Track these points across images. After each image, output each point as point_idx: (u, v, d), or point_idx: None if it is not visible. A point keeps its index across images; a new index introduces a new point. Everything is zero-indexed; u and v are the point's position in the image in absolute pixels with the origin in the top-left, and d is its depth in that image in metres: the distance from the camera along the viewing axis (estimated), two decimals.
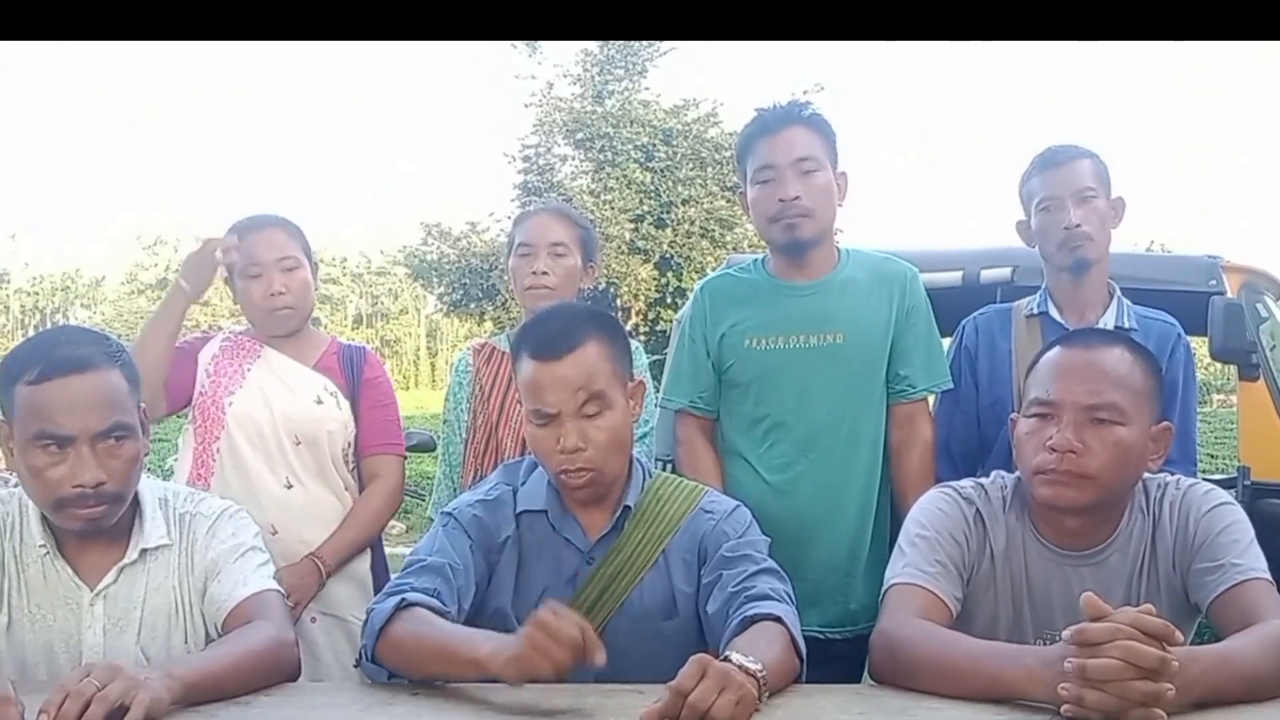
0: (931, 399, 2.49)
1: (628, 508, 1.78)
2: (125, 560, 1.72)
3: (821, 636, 2.26)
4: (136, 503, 1.74)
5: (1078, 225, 2.35)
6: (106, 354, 1.66)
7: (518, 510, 1.80)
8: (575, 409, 1.70)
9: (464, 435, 2.65)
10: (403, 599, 1.60)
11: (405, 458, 2.64)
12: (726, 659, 1.39)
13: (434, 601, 1.61)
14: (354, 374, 2.54)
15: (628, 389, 1.78)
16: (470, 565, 1.73)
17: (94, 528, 1.67)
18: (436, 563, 1.69)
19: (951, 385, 2.44)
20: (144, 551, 1.73)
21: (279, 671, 1.61)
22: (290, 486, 2.43)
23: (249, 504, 2.38)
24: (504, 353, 2.65)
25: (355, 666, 2.44)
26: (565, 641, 1.37)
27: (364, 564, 2.52)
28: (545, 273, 2.53)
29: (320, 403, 2.48)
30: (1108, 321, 2.40)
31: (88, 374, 1.61)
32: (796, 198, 2.29)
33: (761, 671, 1.40)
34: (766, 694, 1.41)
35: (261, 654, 1.58)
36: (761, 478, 2.36)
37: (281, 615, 1.70)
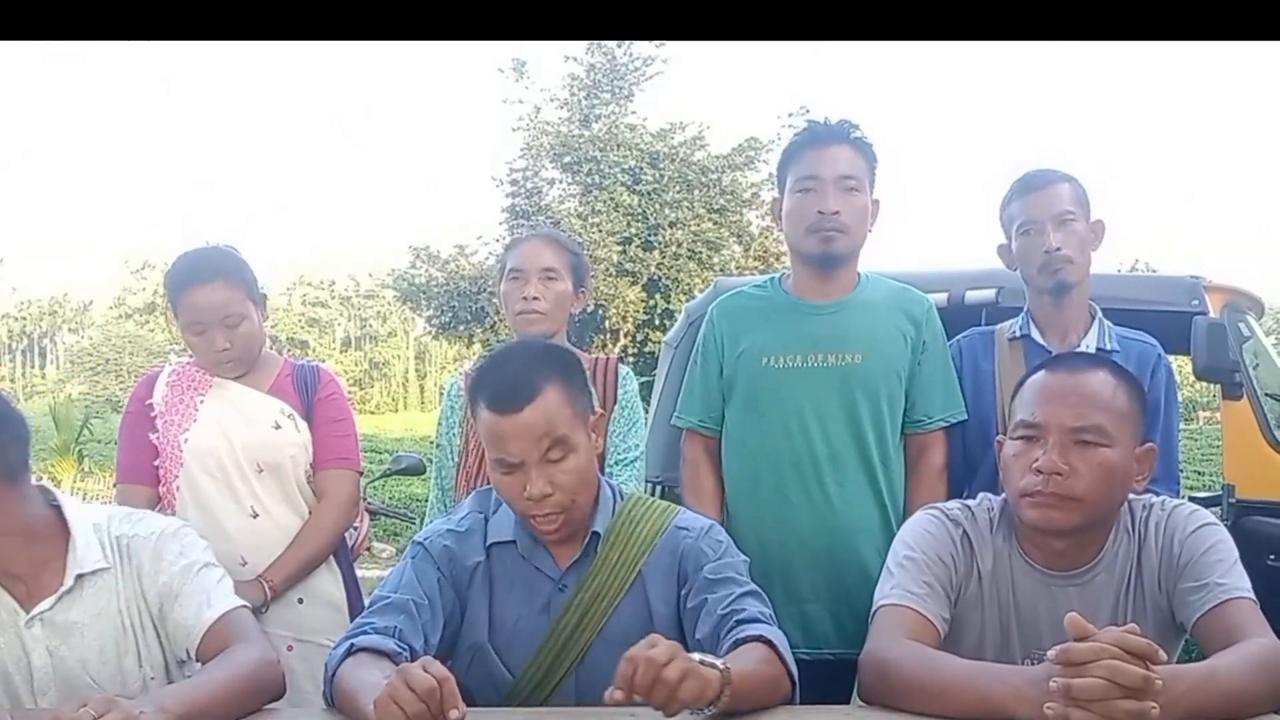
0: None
1: (596, 534, 1.77)
2: (63, 588, 1.72)
3: (833, 659, 2.29)
4: (67, 530, 1.74)
5: (1058, 249, 2.37)
6: None
7: (488, 542, 1.79)
8: (539, 457, 1.69)
9: (456, 459, 2.65)
10: (351, 645, 1.60)
11: (361, 472, 2.60)
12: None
13: (388, 643, 1.61)
14: (309, 393, 2.51)
15: (589, 424, 1.77)
16: (438, 599, 1.73)
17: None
18: (400, 600, 1.69)
19: (966, 417, 2.45)
20: (79, 577, 1.72)
21: (267, 693, 1.62)
22: (256, 516, 2.40)
23: (215, 538, 2.35)
24: None
25: None
26: (420, 689, 1.34)
27: (338, 588, 2.50)
28: (536, 298, 2.54)
29: (279, 428, 2.44)
30: (1089, 343, 2.42)
31: None
32: (836, 212, 2.32)
33: (724, 666, 1.43)
34: (728, 692, 1.43)
35: (249, 679, 1.59)
36: (783, 497, 2.37)
37: (259, 634, 1.70)
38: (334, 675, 1.58)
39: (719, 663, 1.42)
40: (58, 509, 1.76)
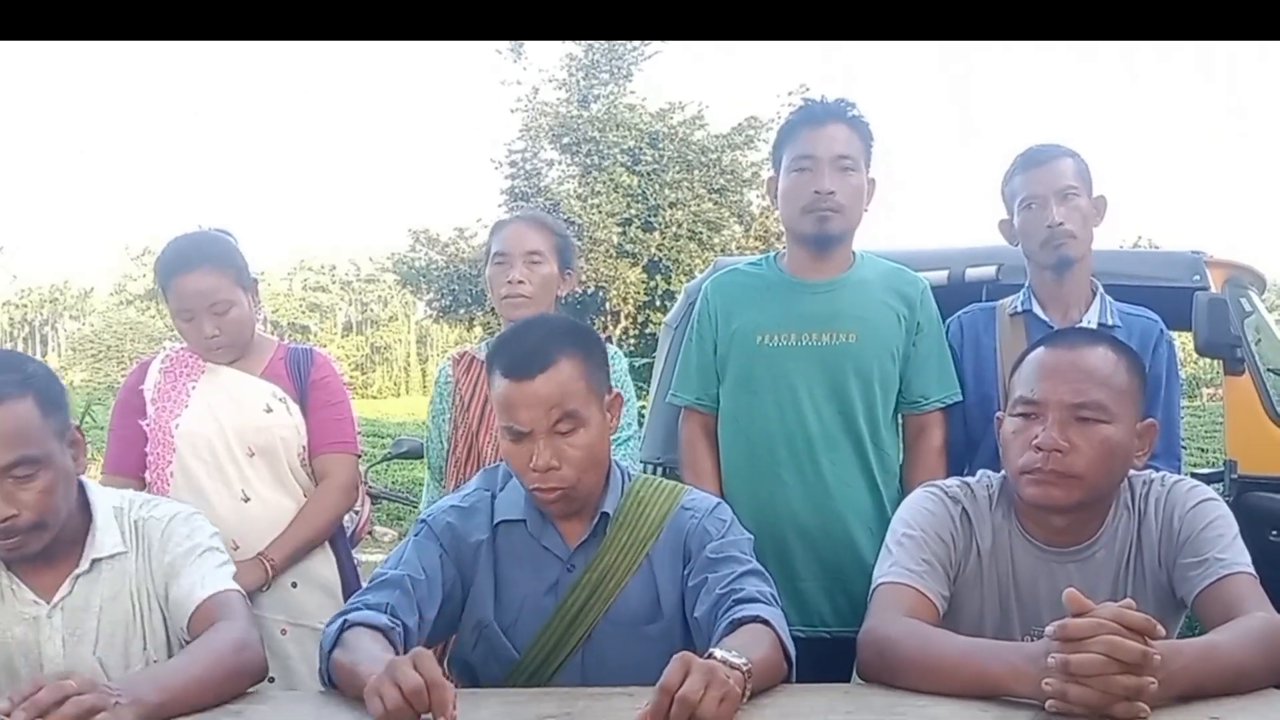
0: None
1: (606, 514, 1.77)
2: (78, 570, 1.72)
3: (829, 636, 2.31)
4: (90, 513, 1.74)
5: (1060, 224, 2.37)
6: (16, 382, 1.62)
7: (495, 520, 1.79)
8: (548, 427, 1.68)
9: (446, 446, 2.65)
10: (345, 620, 1.60)
11: (359, 455, 2.60)
12: (711, 655, 1.39)
13: (381, 618, 1.60)
14: (301, 376, 2.50)
15: (604, 403, 1.77)
16: (438, 575, 1.72)
17: (17, 557, 1.68)
18: (396, 576, 1.69)
19: (962, 398, 2.46)
20: (95, 561, 1.73)
21: (245, 676, 1.60)
22: (248, 500, 2.39)
23: None
24: (483, 362, 2.65)
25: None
26: (406, 688, 1.32)
27: (332, 571, 2.50)
28: (522, 281, 2.54)
29: (270, 411, 2.44)
30: (1091, 319, 2.42)
31: None
32: (832, 192, 2.32)
33: (747, 666, 1.40)
34: (750, 689, 1.41)
35: (225, 663, 1.57)
36: (776, 475, 2.38)
37: (244, 616, 1.69)
38: (330, 652, 1.57)
39: (741, 664, 1.40)
40: (82, 489, 1.77)
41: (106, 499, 1.79)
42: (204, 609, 1.68)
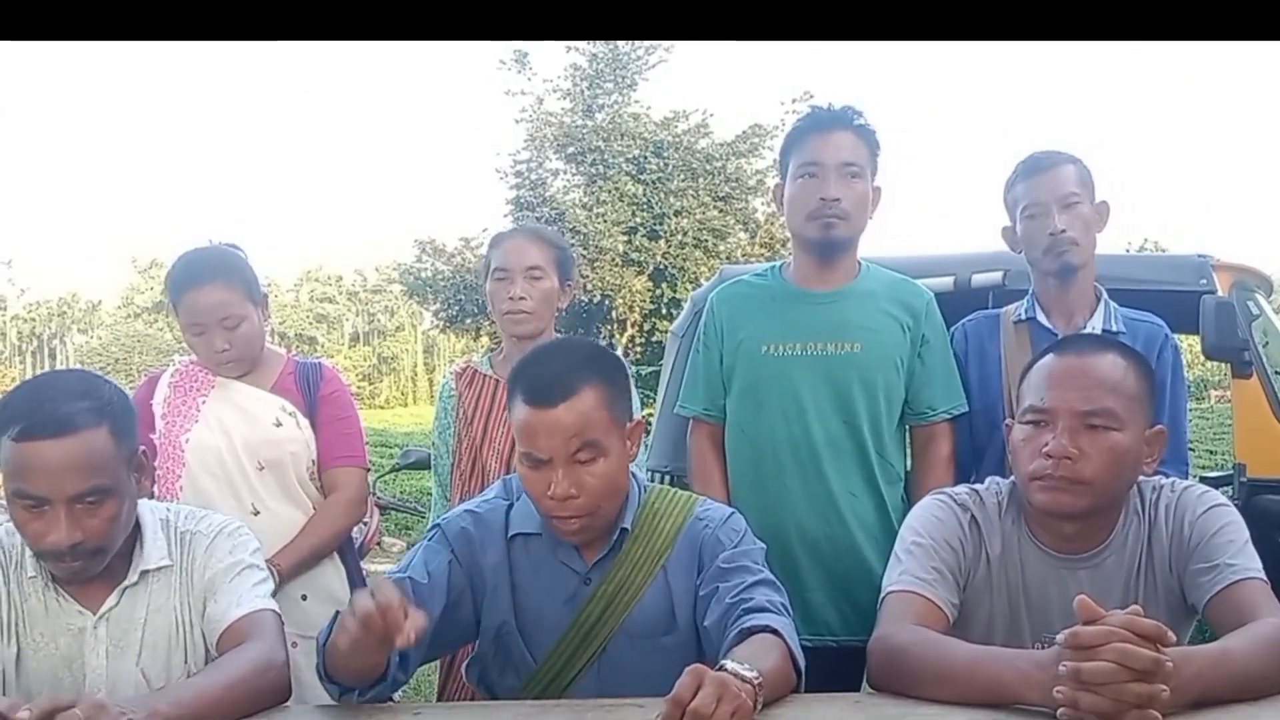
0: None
1: (625, 530, 1.77)
2: (127, 582, 1.73)
3: (836, 646, 2.31)
4: (137, 525, 1.75)
5: (1063, 231, 2.36)
6: (93, 410, 1.62)
7: (510, 533, 1.78)
8: (568, 456, 1.66)
9: (450, 460, 2.65)
10: (337, 613, 1.58)
11: (368, 469, 2.61)
12: (722, 667, 1.39)
13: None
14: (311, 391, 2.51)
15: (625, 430, 1.75)
16: (443, 579, 1.71)
17: (77, 578, 1.69)
18: (398, 579, 1.68)
19: (967, 409, 2.45)
20: (144, 573, 1.74)
21: (268, 696, 1.60)
22: (257, 513, 2.40)
23: None
24: (485, 375, 2.66)
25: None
26: (359, 612, 1.37)
27: (341, 584, 2.51)
28: (523, 298, 2.53)
29: (279, 425, 2.45)
30: (1095, 325, 2.41)
31: (65, 439, 1.58)
32: (838, 199, 2.32)
33: (758, 679, 1.40)
34: (761, 700, 1.41)
35: (248, 682, 1.57)
36: (782, 485, 2.38)
37: (273, 636, 1.69)
38: (324, 645, 1.56)
39: (752, 676, 1.40)
40: None
41: (153, 511, 1.80)
42: (235, 628, 1.69)
